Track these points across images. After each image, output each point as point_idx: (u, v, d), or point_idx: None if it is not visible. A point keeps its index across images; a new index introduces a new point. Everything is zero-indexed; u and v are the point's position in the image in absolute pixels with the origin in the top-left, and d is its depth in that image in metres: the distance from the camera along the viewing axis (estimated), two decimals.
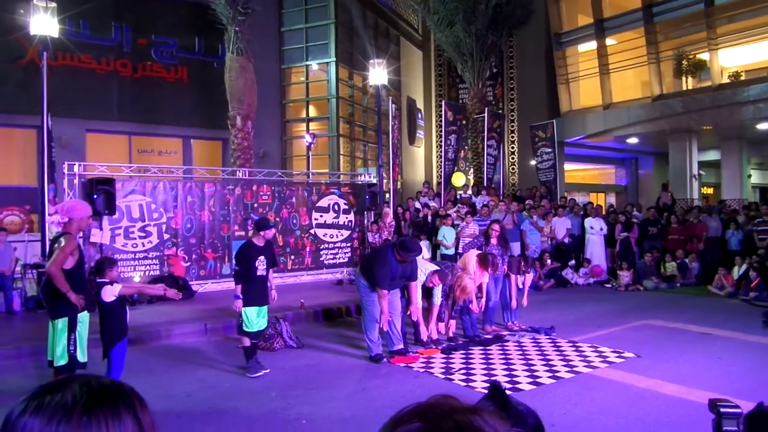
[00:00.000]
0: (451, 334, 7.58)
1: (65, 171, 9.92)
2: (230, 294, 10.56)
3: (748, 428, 1.31)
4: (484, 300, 7.72)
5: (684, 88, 18.86)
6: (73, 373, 4.52)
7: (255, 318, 6.17)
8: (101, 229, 9.68)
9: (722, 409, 1.36)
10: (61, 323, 4.60)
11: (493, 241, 8.10)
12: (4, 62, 13.77)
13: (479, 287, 7.56)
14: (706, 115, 17.50)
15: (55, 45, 10.78)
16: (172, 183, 10.95)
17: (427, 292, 7.28)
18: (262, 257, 6.23)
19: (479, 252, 7.76)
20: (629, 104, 19.45)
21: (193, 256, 10.88)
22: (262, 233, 6.29)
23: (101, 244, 9.64)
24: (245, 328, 6.15)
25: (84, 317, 4.80)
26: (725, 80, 17.66)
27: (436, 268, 7.18)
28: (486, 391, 1.42)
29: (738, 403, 1.46)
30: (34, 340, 6.78)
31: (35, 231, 12.22)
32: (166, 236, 10.56)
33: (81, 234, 4.85)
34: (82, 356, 4.69)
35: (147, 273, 10.26)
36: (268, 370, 6.04)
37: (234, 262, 6.81)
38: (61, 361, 4.60)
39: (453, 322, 7.64)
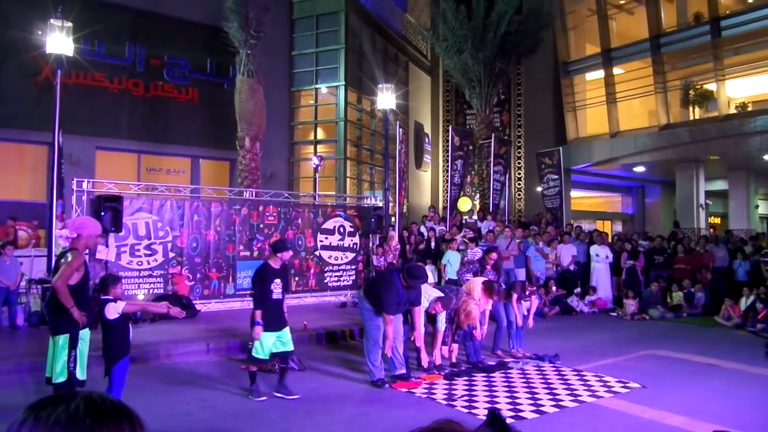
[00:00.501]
0: (454, 360, 7.50)
1: (74, 187, 9.99)
2: (234, 314, 10.58)
3: None
4: (486, 327, 7.66)
5: (691, 117, 18.92)
6: (74, 389, 4.50)
7: (267, 344, 6.01)
8: (107, 246, 9.71)
9: None
10: (62, 339, 4.57)
11: (488, 267, 8.06)
12: (20, 79, 14.00)
13: (482, 314, 7.52)
14: (713, 145, 17.52)
15: (70, 63, 10.97)
16: (178, 202, 11.00)
17: (431, 318, 7.23)
18: (278, 280, 6.13)
19: (485, 279, 7.74)
20: (636, 133, 19.51)
21: (198, 275, 10.87)
22: (279, 255, 6.20)
23: (107, 261, 9.67)
24: (255, 354, 5.98)
25: (85, 335, 4.78)
26: (732, 111, 17.72)
27: (440, 294, 7.13)
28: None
29: None
30: (35, 356, 6.76)
31: (42, 246, 12.26)
32: (171, 255, 10.58)
33: (87, 251, 4.83)
34: (81, 374, 4.65)
35: (151, 291, 10.26)
36: (265, 398, 5.96)
37: (250, 285, 6.70)
38: (60, 378, 4.56)
39: (456, 348, 7.56)
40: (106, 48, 15.38)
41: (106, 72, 15.44)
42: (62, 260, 4.67)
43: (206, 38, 16.28)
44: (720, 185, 21.08)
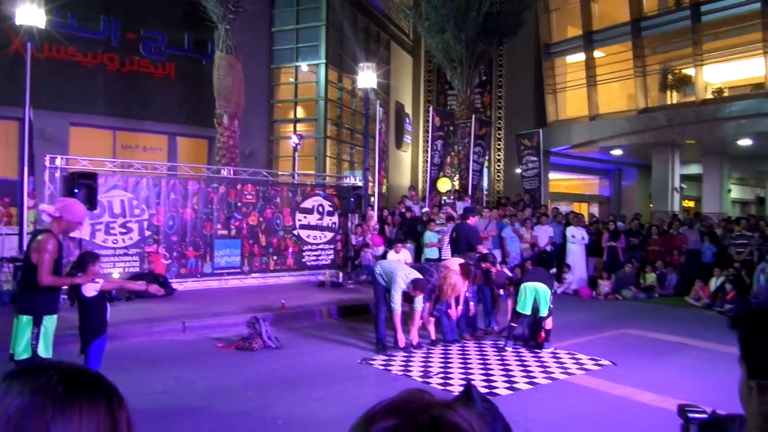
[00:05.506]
0: (433, 337, 7.56)
1: (47, 164, 9.78)
2: (211, 293, 10.53)
3: None
4: (461, 307, 7.75)
5: (668, 102, 19.11)
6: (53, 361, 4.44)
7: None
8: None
9: (690, 415, 1.38)
10: (26, 318, 4.53)
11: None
12: None
13: (457, 296, 7.63)
14: (689, 130, 17.73)
15: (42, 36, 10.67)
16: (155, 179, 10.86)
17: (408, 297, 7.28)
18: None
19: (462, 261, 7.80)
20: (615, 116, 19.65)
21: (174, 254, 10.78)
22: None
23: (80, 239, 9.52)
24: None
25: (50, 319, 4.68)
26: (709, 96, 17.92)
27: (418, 275, 7.14)
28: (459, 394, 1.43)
29: (708, 410, 1.49)
30: (5, 335, 6.66)
31: (14, 224, 12.02)
32: (147, 233, 10.46)
33: (61, 236, 4.69)
34: (45, 352, 4.58)
35: (126, 270, 10.15)
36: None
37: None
38: (24, 355, 4.50)
39: (433, 321, 7.59)
40: (79, 21, 14.99)
41: (79, 46, 15.07)
42: (33, 243, 4.55)
43: (183, 12, 15.96)
44: (695, 169, 21.39)
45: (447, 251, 11.05)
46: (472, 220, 9.01)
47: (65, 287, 4.89)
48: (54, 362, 0.84)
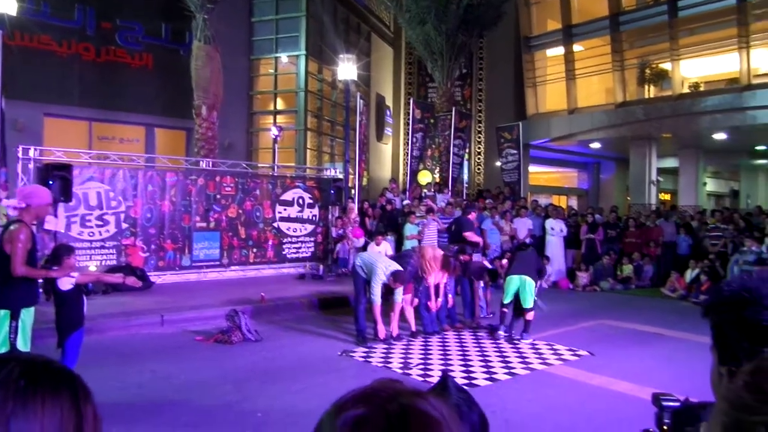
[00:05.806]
0: (413, 329, 7.58)
1: (20, 155, 9.57)
2: (189, 286, 10.44)
3: (674, 423, 1.36)
4: (441, 299, 7.79)
5: (646, 96, 19.34)
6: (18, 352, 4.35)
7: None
8: (56, 216, 9.37)
9: (664, 403, 1.40)
10: (3, 312, 4.44)
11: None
12: None
13: (437, 287, 7.67)
14: (666, 124, 17.98)
15: (13, 24, 10.42)
16: (132, 171, 10.70)
17: (389, 289, 7.29)
18: None
19: (443, 252, 7.86)
20: (593, 110, 19.84)
21: (152, 247, 10.65)
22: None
23: (56, 231, 9.34)
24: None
25: (27, 312, 4.60)
26: (685, 90, 18.18)
27: (398, 267, 7.15)
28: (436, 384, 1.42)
29: (681, 398, 1.51)
30: None
31: None
32: (124, 225, 10.31)
33: (35, 222, 4.61)
34: (23, 345, 4.50)
35: (103, 262, 10.00)
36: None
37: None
38: (2, 348, 4.43)
39: (412, 315, 7.59)
40: (53, 9, 14.64)
41: (53, 35, 14.73)
42: (5, 234, 4.45)
43: (161, 2, 15.68)
44: (671, 162, 21.72)
45: (428, 243, 11.09)
46: (472, 216, 9.67)
47: (41, 280, 4.80)
48: (16, 354, 0.81)
